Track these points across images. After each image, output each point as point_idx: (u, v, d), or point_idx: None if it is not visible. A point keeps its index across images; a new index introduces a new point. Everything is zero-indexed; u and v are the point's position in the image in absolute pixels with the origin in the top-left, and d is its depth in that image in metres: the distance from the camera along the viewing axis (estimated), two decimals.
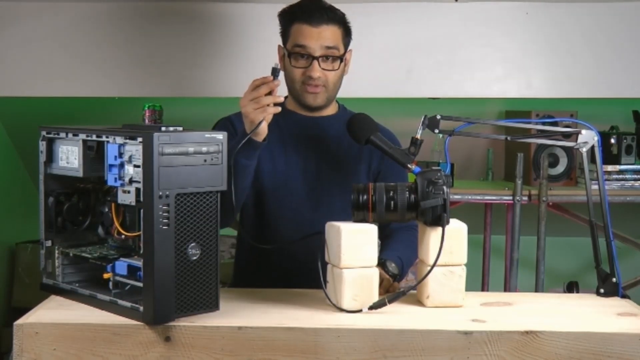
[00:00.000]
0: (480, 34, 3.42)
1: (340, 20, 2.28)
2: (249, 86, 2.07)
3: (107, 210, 1.93)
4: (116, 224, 1.90)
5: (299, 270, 2.16)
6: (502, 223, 4.03)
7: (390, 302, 1.87)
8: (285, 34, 2.30)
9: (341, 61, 2.27)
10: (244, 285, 2.25)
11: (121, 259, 1.89)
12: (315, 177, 2.31)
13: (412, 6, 3.38)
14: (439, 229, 1.91)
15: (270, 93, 2.05)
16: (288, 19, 2.29)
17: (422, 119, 2.09)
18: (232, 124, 2.31)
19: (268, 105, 2.04)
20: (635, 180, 3.91)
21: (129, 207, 1.86)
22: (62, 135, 1.94)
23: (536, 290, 3.75)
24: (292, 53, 2.25)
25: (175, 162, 1.74)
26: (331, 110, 2.37)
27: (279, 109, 2.08)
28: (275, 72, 2.06)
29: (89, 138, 1.88)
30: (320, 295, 1.95)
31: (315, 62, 2.23)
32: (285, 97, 2.40)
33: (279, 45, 2.34)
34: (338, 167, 2.32)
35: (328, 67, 2.25)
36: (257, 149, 2.11)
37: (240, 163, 2.08)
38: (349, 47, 2.32)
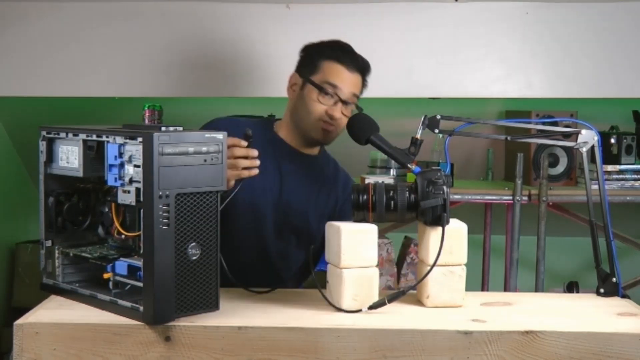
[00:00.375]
0: (480, 34, 3.43)
1: (366, 71, 2.31)
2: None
3: (107, 210, 1.93)
4: (116, 224, 1.90)
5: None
6: (502, 223, 4.02)
7: (390, 301, 1.87)
8: (311, 67, 2.29)
9: (357, 108, 2.28)
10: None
11: (121, 259, 1.89)
12: (284, 212, 2.30)
13: (412, 6, 3.38)
14: (439, 229, 1.91)
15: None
16: (321, 53, 2.28)
17: (422, 119, 2.09)
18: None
19: (244, 168, 2.02)
20: (635, 180, 3.91)
21: (129, 207, 1.86)
22: (62, 135, 1.94)
23: (536, 290, 3.75)
24: (322, 88, 2.24)
25: (175, 162, 1.74)
26: (315, 151, 2.38)
27: (256, 171, 2.04)
28: (248, 138, 2.03)
29: (89, 138, 1.88)
30: (320, 295, 1.95)
31: (340, 104, 2.25)
32: (276, 120, 2.39)
33: (294, 73, 2.33)
34: (306, 209, 2.32)
35: (347, 112, 2.27)
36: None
37: None
38: None
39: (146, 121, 3.10)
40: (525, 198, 3.75)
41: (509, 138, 2.21)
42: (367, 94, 3.34)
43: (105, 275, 1.90)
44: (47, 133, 1.97)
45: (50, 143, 1.98)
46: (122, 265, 1.87)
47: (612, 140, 3.92)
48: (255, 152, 2.03)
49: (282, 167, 2.32)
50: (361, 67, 2.28)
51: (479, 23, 3.41)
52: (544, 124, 2.22)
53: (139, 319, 1.76)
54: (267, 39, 3.11)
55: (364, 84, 2.32)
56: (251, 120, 2.43)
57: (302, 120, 2.29)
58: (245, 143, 2.03)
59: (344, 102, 2.25)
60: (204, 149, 1.78)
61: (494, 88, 3.48)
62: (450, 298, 1.95)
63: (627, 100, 3.95)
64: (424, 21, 3.40)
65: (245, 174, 2.03)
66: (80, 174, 1.91)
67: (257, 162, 2.04)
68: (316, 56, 2.29)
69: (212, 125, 2.34)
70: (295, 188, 2.32)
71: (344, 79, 2.25)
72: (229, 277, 1.99)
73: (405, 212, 1.93)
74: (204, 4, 3.36)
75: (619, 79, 3.46)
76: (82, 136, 1.89)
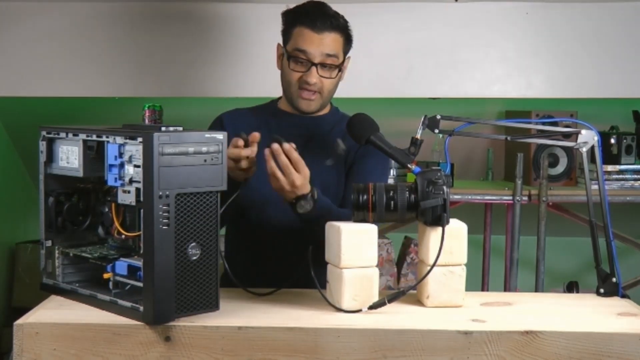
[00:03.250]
0: (480, 34, 3.43)
1: (343, 28, 2.27)
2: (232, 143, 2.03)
3: (107, 210, 1.93)
4: (116, 224, 1.90)
5: (290, 271, 2.16)
6: (502, 223, 4.03)
7: (390, 301, 1.87)
8: (286, 35, 2.30)
9: (339, 70, 2.28)
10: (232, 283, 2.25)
11: (121, 259, 1.89)
12: None
13: (412, 6, 3.38)
14: (439, 229, 1.91)
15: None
16: (291, 20, 2.28)
17: (422, 119, 2.09)
18: (222, 124, 2.31)
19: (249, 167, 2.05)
20: (635, 180, 3.91)
21: (129, 207, 1.86)
22: (62, 135, 1.94)
23: (536, 290, 3.76)
24: (291, 56, 2.25)
25: (175, 162, 1.74)
26: (323, 111, 2.37)
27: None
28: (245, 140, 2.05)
29: (89, 138, 1.88)
30: (320, 295, 1.95)
31: (314, 68, 2.23)
32: (279, 98, 2.40)
33: (278, 44, 2.34)
34: (322, 167, 2.31)
35: (325, 74, 2.25)
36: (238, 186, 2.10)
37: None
38: (348, 55, 2.32)
39: (146, 121, 3.11)
40: (525, 198, 3.76)
41: (509, 138, 2.21)
42: (367, 94, 3.36)
43: (105, 275, 1.90)
44: (47, 133, 1.97)
45: (50, 143, 1.98)
46: (122, 265, 1.87)
47: (612, 140, 3.93)
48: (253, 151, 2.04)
49: (285, 136, 2.31)
50: (332, 25, 2.24)
51: (479, 23, 3.41)
52: (544, 124, 2.21)
53: (139, 319, 1.76)
54: (267, 39, 3.11)
55: (346, 39, 2.28)
56: (254, 107, 2.43)
57: (285, 90, 2.30)
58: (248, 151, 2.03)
59: (319, 65, 2.23)
60: (204, 149, 1.78)
61: (494, 88, 3.48)
62: (450, 298, 1.95)
63: (627, 100, 3.95)
64: (424, 21, 3.40)
65: (253, 170, 2.06)
66: (80, 174, 1.91)
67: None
68: (288, 24, 2.29)
69: (218, 121, 2.35)
70: (303, 152, 2.31)
71: (312, 42, 2.22)
72: (230, 277, 2.00)
73: (405, 212, 1.92)
74: (204, 4, 3.36)
75: (619, 79, 3.46)
76: (82, 136, 1.89)
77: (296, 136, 2.31)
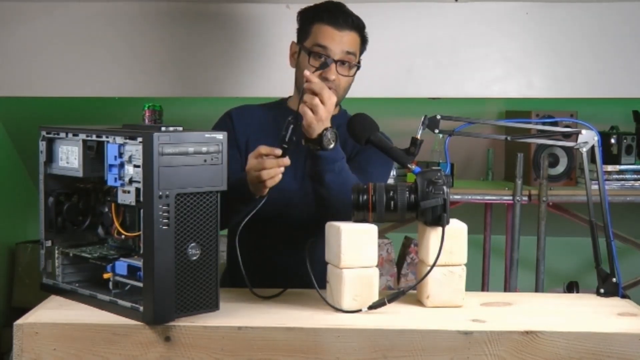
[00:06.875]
0: (480, 34, 3.43)
1: (361, 28, 2.30)
2: (257, 152, 2.05)
3: (107, 210, 1.93)
4: (116, 224, 1.90)
5: (292, 266, 2.16)
6: (502, 223, 4.03)
7: (390, 301, 1.87)
8: (303, 32, 2.30)
9: (358, 69, 2.29)
10: (235, 282, 2.24)
11: (121, 259, 1.89)
12: (303, 177, 2.29)
13: (412, 6, 3.38)
14: (439, 229, 1.91)
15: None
16: (310, 17, 2.29)
17: (422, 119, 2.09)
18: (232, 120, 2.31)
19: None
20: (635, 180, 3.91)
21: (129, 207, 1.86)
22: (62, 135, 1.94)
23: (536, 290, 3.76)
24: (312, 52, 2.25)
25: (175, 162, 1.74)
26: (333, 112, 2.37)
27: (279, 177, 2.05)
28: (285, 145, 2.04)
29: (89, 138, 1.88)
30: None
31: (333, 65, 2.24)
32: (289, 97, 2.40)
33: (293, 42, 2.34)
34: None
35: (344, 72, 2.26)
36: (258, 201, 2.11)
37: (237, 207, 2.10)
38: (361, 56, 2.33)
39: (146, 121, 3.11)
40: (525, 198, 3.76)
41: (509, 138, 2.21)
42: (368, 94, 3.36)
43: (105, 275, 1.90)
44: (47, 133, 1.97)
45: (50, 143, 1.98)
46: (122, 265, 1.87)
47: (612, 140, 3.93)
48: (287, 162, 2.04)
49: (294, 138, 2.31)
50: (353, 24, 2.27)
51: (479, 23, 3.41)
52: (544, 124, 2.22)
53: (139, 319, 1.76)
54: (267, 39, 3.11)
55: (363, 40, 2.31)
56: (263, 104, 2.43)
57: (301, 87, 2.27)
58: (279, 152, 2.03)
59: (338, 62, 2.24)
60: (204, 149, 1.78)
61: (494, 88, 3.48)
62: (450, 298, 1.95)
63: (627, 100, 3.95)
64: (424, 21, 3.40)
65: (269, 183, 2.04)
66: (80, 174, 1.91)
67: (287, 163, 2.04)
68: (307, 21, 2.30)
69: (227, 116, 2.35)
70: (305, 153, 2.30)
71: (333, 39, 2.24)
72: (243, 274, 2.00)
73: (405, 212, 1.93)
74: (204, 4, 3.36)
75: (618, 79, 3.46)
76: (82, 136, 1.89)
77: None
